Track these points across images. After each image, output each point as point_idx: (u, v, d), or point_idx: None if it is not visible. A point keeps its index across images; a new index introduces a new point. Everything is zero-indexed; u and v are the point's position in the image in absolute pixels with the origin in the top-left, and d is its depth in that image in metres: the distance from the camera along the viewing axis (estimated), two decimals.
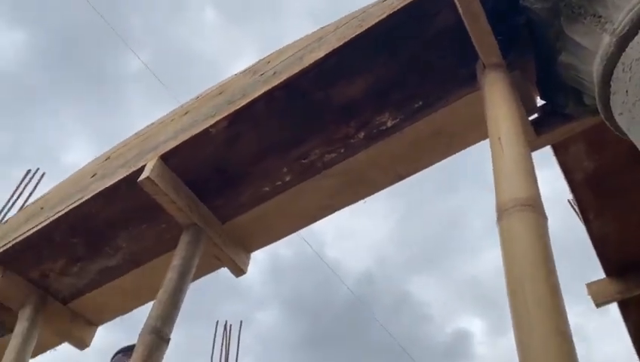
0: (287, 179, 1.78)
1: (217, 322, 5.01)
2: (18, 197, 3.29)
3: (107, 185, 1.87)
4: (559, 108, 1.50)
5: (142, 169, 1.74)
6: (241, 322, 5.20)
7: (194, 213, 1.80)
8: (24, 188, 3.37)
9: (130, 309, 2.24)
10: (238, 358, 5.02)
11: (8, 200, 3.26)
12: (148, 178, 1.68)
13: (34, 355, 2.18)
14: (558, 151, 1.61)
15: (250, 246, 1.98)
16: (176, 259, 1.71)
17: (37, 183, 3.40)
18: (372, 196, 1.84)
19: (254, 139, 1.71)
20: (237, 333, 5.09)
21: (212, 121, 1.68)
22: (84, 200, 1.92)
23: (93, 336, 2.29)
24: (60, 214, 1.97)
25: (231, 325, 5.09)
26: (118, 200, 1.89)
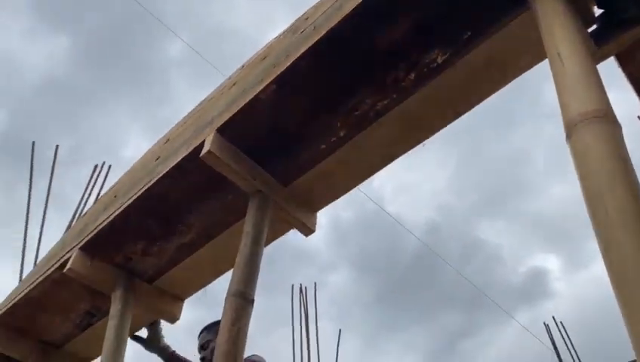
0: (342, 133, 1.78)
1: (293, 286, 5.20)
2: (91, 192, 3.51)
3: (171, 166, 1.93)
4: (619, 13, 1.40)
5: (201, 145, 1.79)
6: (315, 284, 5.36)
7: (257, 179, 1.84)
8: (95, 182, 3.58)
9: (211, 280, 2.35)
10: (317, 320, 5.20)
11: (82, 196, 3.47)
12: (208, 152, 1.73)
13: (131, 333, 2.34)
14: (623, 61, 1.50)
15: (315, 206, 2.01)
16: (247, 226, 1.77)
17: (105, 176, 3.61)
18: (430, 139, 1.81)
19: (304, 99, 1.71)
20: (313, 296, 5.27)
21: (260, 87, 1.69)
22: (151, 183, 2.01)
23: (181, 310, 2.43)
24: (132, 200, 2.07)
25: (306, 287, 5.27)
26: (183, 178, 1.96)
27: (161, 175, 1.97)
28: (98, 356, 2.76)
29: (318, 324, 5.23)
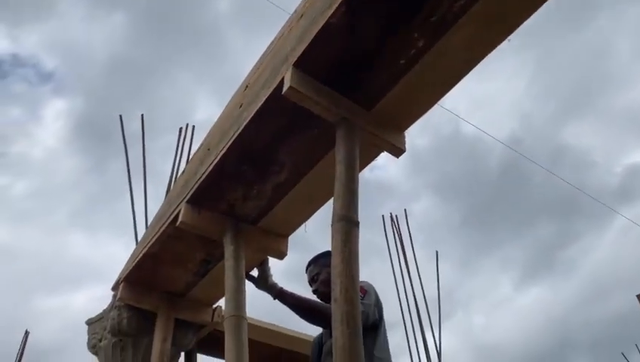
0: (421, 44, 1.71)
1: (383, 216, 5.27)
2: (181, 154, 3.70)
3: (255, 110, 1.98)
4: None
5: (281, 83, 1.81)
6: (405, 210, 5.40)
7: (340, 108, 1.84)
8: (183, 144, 3.77)
9: (311, 214, 2.44)
10: (412, 245, 5.27)
11: (175, 158, 3.67)
12: (289, 88, 1.74)
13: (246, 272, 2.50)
14: None
15: (402, 125, 1.99)
16: (339, 155, 1.79)
17: (192, 136, 3.77)
18: (504, 44, 1.71)
19: (376, 15, 1.66)
20: (405, 223, 5.31)
21: (330, 12, 1.65)
22: (239, 130, 2.07)
23: (287, 246, 2.56)
24: (224, 150, 2.16)
25: (397, 216, 5.32)
26: (269, 120, 2.01)
27: (247, 121, 2.02)
28: (219, 298, 3.01)
29: (410, 252, 5.31)
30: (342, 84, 1.86)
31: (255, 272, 2.59)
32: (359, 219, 1.65)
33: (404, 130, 2.02)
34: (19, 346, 7.58)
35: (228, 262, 2.27)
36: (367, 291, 2.37)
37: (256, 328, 3.12)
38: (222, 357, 3.43)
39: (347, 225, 1.58)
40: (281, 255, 2.54)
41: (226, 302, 2.14)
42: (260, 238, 2.49)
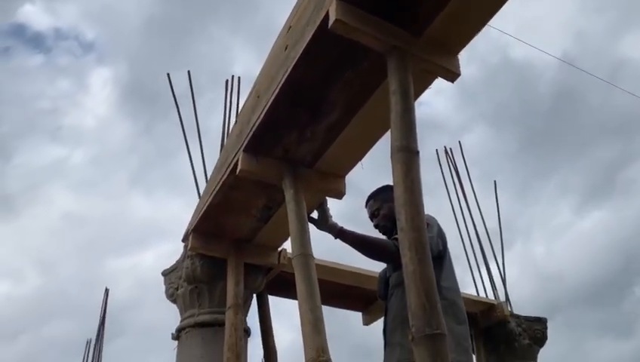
0: None
1: (437, 150, 5.18)
2: (230, 105, 3.73)
3: (302, 50, 1.95)
4: None
5: (326, 17, 1.76)
6: (459, 143, 5.28)
7: (389, 36, 1.78)
8: (231, 97, 3.79)
9: (366, 152, 2.43)
10: (469, 177, 5.17)
11: (224, 111, 3.72)
12: (336, 21, 1.70)
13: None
14: None
15: (454, 48, 1.90)
16: (392, 85, 1.75)
17: (239, 87, 3.79)
18: None
19: None
20: (458, 158, 5.20)
21: None
22: (288, 72, 2.06)
23: (344, 186, 2.58)
24: (275, 94, 2.16)
25: (451, 149, 5.22)
26: (316, 58, 1.97)
27: (294, 62, 2.00)
28: (284, 241, 3.11)
29: (466, 184, 5.22)
30: (389, 12, 1.79)
31: (315, 214, 2.63)
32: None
33: (456, 54, 1.94)
34: (101, 303, 8.22)
35: (289, 205, 2.31)
36: (429, 223, 2.37)
37: (321, 267, 3.22)
38: (290, 297, 3.59)
39: (407, 155, 1.57)
40: (339, 195, 2.57)
41: (292, 242, 2.20)
42: (317, 180, 2.52)
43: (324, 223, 2.54)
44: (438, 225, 2.51)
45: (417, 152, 1.59)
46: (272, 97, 2.17)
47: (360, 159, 2.49)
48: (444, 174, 5.11)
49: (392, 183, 2.34)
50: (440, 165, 5.18)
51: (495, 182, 5.49)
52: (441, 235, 2.46)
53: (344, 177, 2.59)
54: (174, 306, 3.19)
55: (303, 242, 2.18)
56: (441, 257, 2.36)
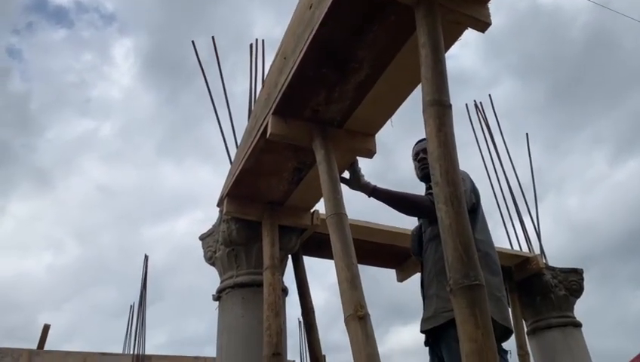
0: None
1: (466, 105, 5.07)
2: (256, 69, 3.72)
3: (327, 7, 1.91)
4: None
5: None
6: (490, 96, 5.15)
7: None
8: (256, 60, 3.77)
9: (395, 109, 2.41)
10: (501, 130, 5.07)
11: (250, 73, 3.71)
12: None
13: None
14: None
15: None
16: (421, 37, 1.71)
17: (263, 50, 3.76)
18: None
19: None
20: (488, 111, 5.09)
21: None
22: (314, 32, 2.03)
23: (375, 144, 2.57)
24: (302, 55, 2.14)
25: (481, 103, 5.10)
26: (342, 15, 1.94)
27: (320, 20, 1.97)
28: (316, 202, 3.14)
29: (497, 138, 5.12)
30: None
31: (347, 175, 2.64)
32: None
33: (486, 2, 1.87)
34: (141, 269, 8.54)
35: (321, 166, 2.33)
36: (462, 178, 2.37)
37: (354, 227, 3.25)
38: (324, 257, 3.65)
39: (440, 109, 1.55)
40: (370, 153, 2.56)
41: (326, 202, 2.23)
42: (347, 140, 2.51)
43: (357, 183, 2.56)
44: (471, 180, 2.51)
45: (450, 106, 1.57)
46: (299, 58, 2.15)
47: (390, 116, 2.47)
48: (475, 129, 5.03)
49: None
50: (470, 120, 5.10)
51: (527, 134, 5.39)
52: (473, 189, 2.46)
53: (374, 136, 2.58)
54: (210, 270, 3.29)
55: (336, 202, 2.20)
56: (474, 210, 2.37)
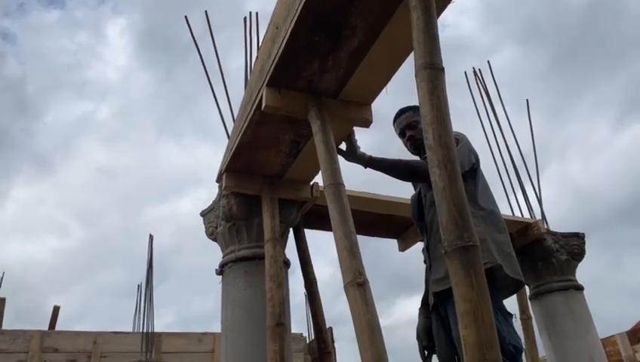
0: None
1: (465, 72, 5.02)
2: (251, 43, 3.67)
3: None
4: None
5: None
6: (488, 62, 5.09)
7: None
8: (250, 34, 3.72)
9: (390, 77, 2.38)
10: (500, 97, 5.02)
11: (245, 46, 3.67)
12: None
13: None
14: None
15: None
16: (412, 0, 1.68)
17: (257, 23, 3.71)
18: None
19: None
20: (488, 79, 5.03)
21: None
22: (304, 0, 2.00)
23: (371, 113, 2.55)
24: (293, 23, 2.11)
25: (480, 70, 5.04)
26: None
27: None
28: (315, 175, 3.14)
29: (497, 107, 5.07)
30: None
31: (343, 146, 2.63)
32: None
33: None
34: (146, 249, 8.61)
35: (317, 137, 2.32)
36: (459, 140, 2.37)
37: (354, 198, 3.26)
38: (326, 229, 3.66)
39: (432, 72, 1.53)
40: (366, 123, 2.55)
41: (323, 172, 2.22)
42: (343, 110, 2.50)
43: (354, 154, 2.56)
44: (468, 141, 2.51)
45: (442, 69, 1.55)
46: (291, 27, 2.12)
47: (385, 84, 2.44)
48: (474, 97, 4.99)
49: None
50: (470, 88, 5.04)
51: (527, 100, 5.33)
52: (472, 149, 2.47)
53: (370, 105, 2.56)
54: (214, 248, 3.31)
55: (334, 172, 2.20)
56: (474, 170, 2.38)
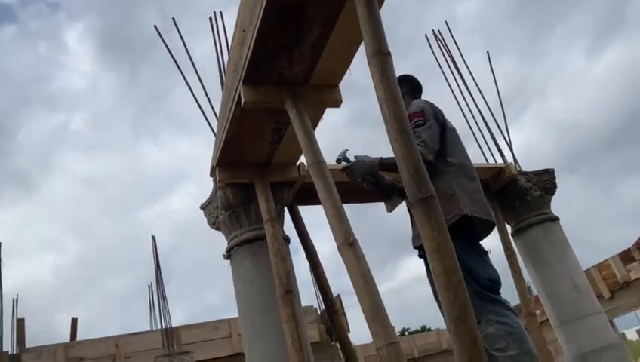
0: None
1: (426, 35, 5.27)
2: (219, 40, 3.91)
3: None
4: None
5: None
6: (446, 22, 5.35)
7: None
8: (217, 31, 3.95)
9: (351, 59, 2.66)
10: (462, 57, 5.29)
11: (215, 46, 3.90)
12: None
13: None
14: None
15: None
16: None
17: (222, 21, 3.94)
18: None
19: None
20: (450, 37, 5.29)
21: None
22: (264, 3, 2.26)
23: (340, 94, 2.83)
24: (257, 26, 2.37)
25: (439, 30, 5.29)
26: None
27: None
28: (299, 156, 3.43)
29: (464, 63, 5.34)
30: None
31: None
32: (390, 49, 1.86)
33: None
34: (151, 251, 8.90)
35: (295, 124, 2.60)
36: (422, 112, 2.68)
37: (335, 171, 3.56)
38: (317, 203, 3.96)
39: (381, 57, 1.81)
40: (336, 103, 2.83)
41: (305, 154, 2.51)
42: (315, 94, 2.78)
43: (364, 171, 2.82)
44: (431, 107, 2.81)
45: (389, 53, 1.83)
46: (256, 29, 2.39)
47: (348, 67, 2.72)
48: (438, 58, 5.25)
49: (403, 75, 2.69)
50: (432, 50, 5.31)
51: (488, 52, 5.62)
52: (436, 113, 2.78)
53: (338, 86, 2.84)
54: (215, 238, 3.63)
55: (314, 152, 2.49)
56: (443, 130, 2.71)
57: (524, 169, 4.62)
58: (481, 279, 2.45)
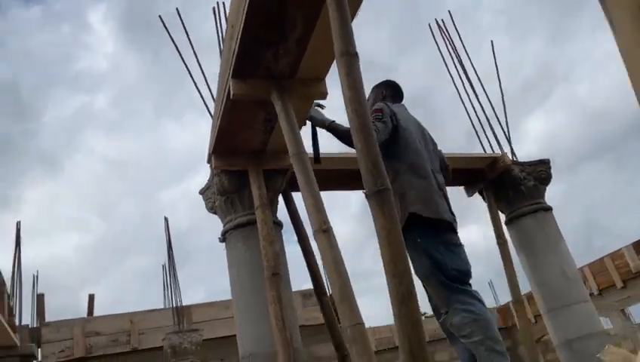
0: None
1: (429, 25, 5.28)
2: (222, 28, 4.02)
3: None
4: None
5: None
6: (449, 12, 5.34)
7: None
8: (220, 22, 4.06)
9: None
10: (466, 50, 5.31)
11: (218, 37, 4.02)
12: None
13: (301, 122, 2.98)
14: None
15: None
16: None
17: (225, 12, 4.05)
18: None
19: None
20: (453, 26, 5.31)
21: None
22: (247, 2, 2.38)
23: (326, 86, 2.95)
24: (242, 22, 2.49)
25: (442, 20, 5.31)
26: None
27: None
28: None
29: (467, 57, 5.34)
30: None
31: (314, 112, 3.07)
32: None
33: None
34: (165, 232, 9.18)
35: (280, 116, 2.74)
36: (381, 110, 2.81)
37: (328, 159, 3.68)
38: None
39: (348, 58, 1.92)
40: (322, 95, 2.95)
41: (288, 145, 2.65)
42: (300, 87, 2.90)
43: (319, 121, 2.99)
44: (389, 109, 2.93)
45: (356, 54, 1.94)
46: (242, 25, 2.51)
47: (332, 61, 2.82)
48: (441, 51, 5.27)
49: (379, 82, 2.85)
50: (436, 42, 5.34)
51: (492, 41, 5.63)
52: (393, 114, 2.91)
53: (324, 79, 2.95)
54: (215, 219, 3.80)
55: (297, 143, 2.62)
56: (396, 130, 2.83)
57: (548, 156, 4.65)
58: (448, 270, 2.57)
